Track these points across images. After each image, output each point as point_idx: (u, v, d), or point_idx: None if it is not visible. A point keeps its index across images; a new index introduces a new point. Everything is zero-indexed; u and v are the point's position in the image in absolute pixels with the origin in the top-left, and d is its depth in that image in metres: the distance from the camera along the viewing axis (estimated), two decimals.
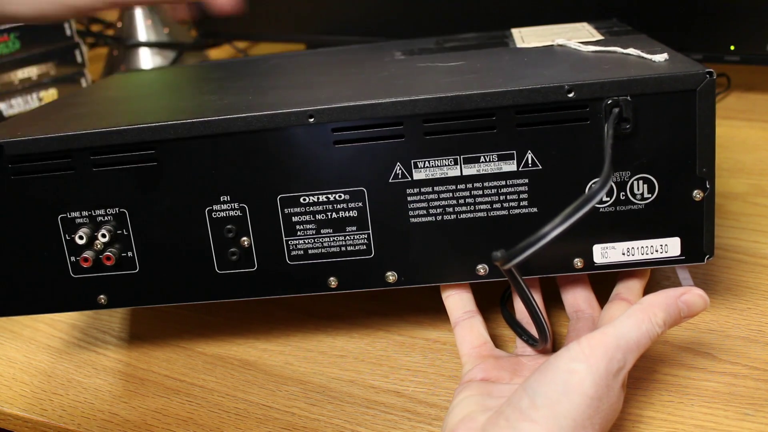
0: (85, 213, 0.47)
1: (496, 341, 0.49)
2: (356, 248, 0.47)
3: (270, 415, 0.47)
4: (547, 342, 0.44)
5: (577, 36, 0.59)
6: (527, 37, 0.62)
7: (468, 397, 0.41)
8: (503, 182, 0.45)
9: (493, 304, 0.52)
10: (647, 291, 0.46)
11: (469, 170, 0.45)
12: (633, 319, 0.39)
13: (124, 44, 1.12)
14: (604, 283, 0.49)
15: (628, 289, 0.47)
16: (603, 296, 0.48)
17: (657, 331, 0.39)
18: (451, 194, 0.45)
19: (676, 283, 0.54)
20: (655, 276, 0.54)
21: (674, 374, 0.45)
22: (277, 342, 0.53)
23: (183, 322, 0.57)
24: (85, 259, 0.48)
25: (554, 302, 0.51)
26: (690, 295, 0.40)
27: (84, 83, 0.98)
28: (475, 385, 0.42)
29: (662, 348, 0.47)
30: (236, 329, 0.55)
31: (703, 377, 0.45)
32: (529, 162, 0.44)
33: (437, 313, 0.52)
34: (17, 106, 0.93)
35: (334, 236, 0.47)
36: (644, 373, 0.45)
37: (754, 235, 0.59)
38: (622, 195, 0.44)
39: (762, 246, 0.58)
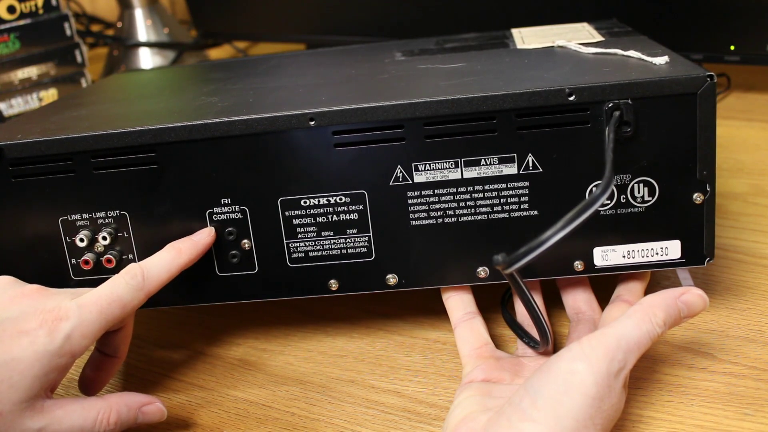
0: (85, 215, 0.47)
1: (497, 341, 0.49)
2: (357, 251, 0.47)
3: (270, 415, 0.47)
4: (548, 344, 0.44)
5: (577, 37, 0.59)
6: (527, 38, 0.62)
7: (469, 397, 0.41)
8: (504, 185, 0.45)
9: (493, 304, 0.52)
10: (648, 291, 0.46)
11: (470, 173, 0.45)
12: (633, 319, 0.39)
13: (124, 44, 1.12)
14: (605, 286, 0.50)
15: (629, 290, 0.47)
16: (604, 298, 0.48)
17: (657, 331, 0.39)
18: (451, 197, 0.45)
19: (676, 283, 0.54)
20: (655, 276, 0.54)
21: (674, 374, 0.45)
22: (277, 342, 0.54)
23: (183, 322, 0.57)
24: (86, 262, 0.48)
25: (555, 303, 0.51)
26: (689, 295, 0.40)
27: (84, 83, 0.98)
28: (476, 386, 0.42)
29: (662, 348, 0.47)
30: (236, 329, 0.56)
31: (703, 377, 0.45)
32: (530, 165, 0.44)
33: (437, 313, 0.52)
34: (17, 106, 0.93)
35: (335, 239, 0.47)
36: (644, 373, 0.46)
37: (754, 235, 0.59)
38: (623, 198, 0.45)
39: (762, 246, 0.58)
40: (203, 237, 0.47)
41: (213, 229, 0.47)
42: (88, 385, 0.47)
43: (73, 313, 0.41)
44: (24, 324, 0.40)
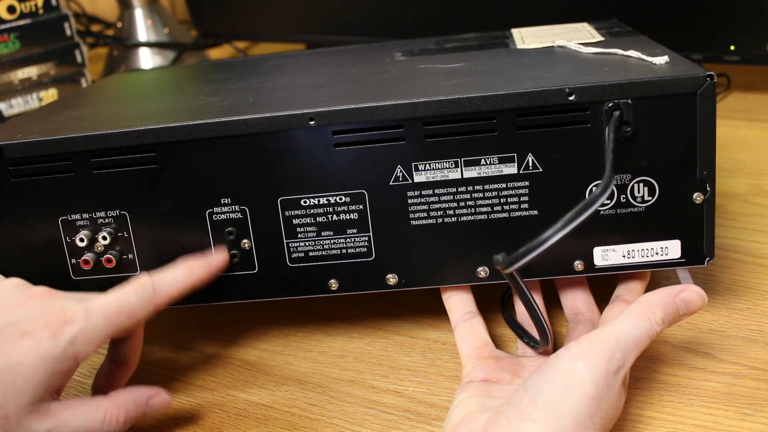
0: (85, 215, 0.47)
1: (497, 341, 0.49)
2: (357, 250, 0.47)
3: (270, 415, 0.47)
4: (548, 344, 0.44)
5: (577, 37, 0.59)
6: (527, 38, 0.62)
7: (468, 397, 0.41)
8: (504, 185, 0.45)
9: (493, 303, 0.52)
10: (647, 291, 0.46)
11: (470, 173, 0.45)
12: (632, 317, 0.39)
13: (124, 44, 1.12)
14: (605, 286, 0.50)
15: (629, 290, 0.47)
16: (604, 298, 0.48)
17: (656, 329, 0.39)
18: (451, 197, 0.45)
19: (676, 283, 0.53)
20: (655, 276, 0.54)
21: (674, 374, 0.45)
22: (277, 342, 0.54)
23: (183, 322, 0.57)
24: (86, 261, 0.48)
25: (555, 303, 0.51)
26: (688, 292, 0.40)
27: (84, 83, 0.98)
28: (476, 386, 0.42)
29: (662, 348, 0.47)
30: (236, 329, 0.56)
31: (703, 377, 0.45)
32: (530, 165, 0.44)
33: (437, 313, 0.52)
34: (17, 106, 0.93)
35: (335, 238, 0.47)
36: (644, 373, 0.46)
37: (754, 235, 0.59)
38: (623, 198, 0.45)
39: (762, 246, 0.58)
40: (217, 260, 0.47)
41: (227, 253, 0.47)
42: (101, 394, 0.48)
43: (79, 318, 0.40)
44: (28, 325, 0.40)
